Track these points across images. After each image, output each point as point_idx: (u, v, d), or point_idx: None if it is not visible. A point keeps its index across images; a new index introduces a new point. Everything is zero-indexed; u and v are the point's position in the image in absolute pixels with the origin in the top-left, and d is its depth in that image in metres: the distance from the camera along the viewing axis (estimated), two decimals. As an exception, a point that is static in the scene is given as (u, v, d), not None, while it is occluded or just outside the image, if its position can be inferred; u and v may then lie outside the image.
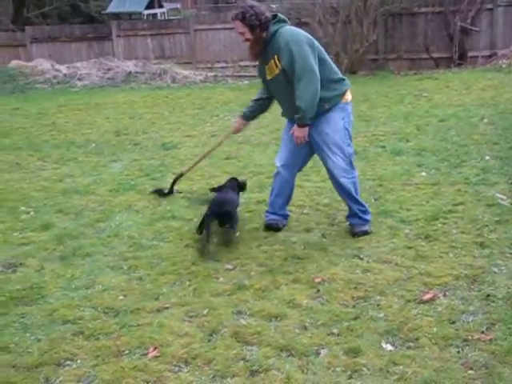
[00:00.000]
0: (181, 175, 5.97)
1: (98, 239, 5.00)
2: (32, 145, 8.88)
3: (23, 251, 4.82)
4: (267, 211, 5.09)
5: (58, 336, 3.50)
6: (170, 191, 5.99)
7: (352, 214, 4.85)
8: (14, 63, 16.76)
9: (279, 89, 4.69)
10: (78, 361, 3.25)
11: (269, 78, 4.67)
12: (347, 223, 4.92)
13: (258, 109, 5.14)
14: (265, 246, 4.69)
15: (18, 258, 4.68)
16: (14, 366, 3.23)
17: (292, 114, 4.62)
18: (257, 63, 4.87)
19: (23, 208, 5.91)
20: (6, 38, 18.12)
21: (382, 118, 9.36)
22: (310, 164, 6.90)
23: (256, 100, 5.09)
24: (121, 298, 3.97)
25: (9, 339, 3.49)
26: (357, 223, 4.82)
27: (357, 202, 4.82)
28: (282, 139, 4.99)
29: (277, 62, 4.54)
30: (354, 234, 4.76)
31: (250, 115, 5.18)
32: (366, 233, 4.75)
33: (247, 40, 4.60)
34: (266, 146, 8.01)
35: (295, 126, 4.60)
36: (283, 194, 5.00)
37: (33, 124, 10.62)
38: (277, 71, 4.57)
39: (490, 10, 14.52)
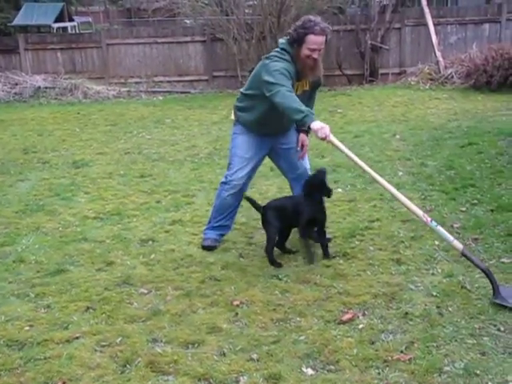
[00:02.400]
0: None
1: (2, 265, 4.70)
2: None
3: None
4: (212, 230, 4.99)
5: (-45, 374, 3.22)
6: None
7: None
8: None
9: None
10: (-22, 401, 2.99)
11: (297, 93, 4.52)
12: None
13: None
14: (181, 268, 4.54)
15: None
16: None
17: (290, 124, 4.82)
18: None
19: None
20: None
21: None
22: (226, 181, 6.85)
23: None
24: (26, 328, 3.71)
25: None
26: None
27: None
28: (244, 156, 4.79)
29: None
30: None
31: None
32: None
33: (315, 58, 4.46)
34: (182, 164, 7.84)
35: (302, 134, 4.90)
36: (236, 209, 5.02)
37: None
38: (306, 87, 4.68)
39: (399, 29, 14.98)
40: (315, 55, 4.43)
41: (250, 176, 4.91)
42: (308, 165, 5.01)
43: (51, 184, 7.09)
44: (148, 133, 10.07)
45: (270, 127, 4.75)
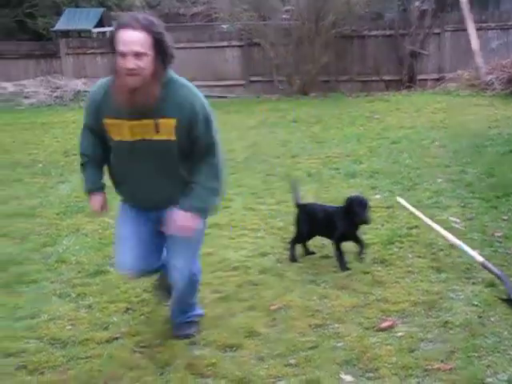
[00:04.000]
0: None
1: (45, 265, 4.79)
2: (-25, 165, 8.55)
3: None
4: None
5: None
6: None
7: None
8: (-43, 80, 16.24)
9: (152, 160, 3.19)
10: (22, 398, 3.05)
11: (131, 139, 3.14)
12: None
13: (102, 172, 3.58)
14: (218, 272, 4.56)
15: (-42, 286, 4.43)
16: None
17: (164, 198, 3.30)
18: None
19: (-35, 232, 5.64)
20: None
21: (334, 139, 9.37)
22: (263, 186, 6.90)
23: (93, 163, 3.50)
24: (68, 327, 3.77)
25: None
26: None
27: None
28: (128, 237, 3.47)
29: (173, 124, 3.10)
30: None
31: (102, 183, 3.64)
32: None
33: (135, 72, 2.93)
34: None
35: (185, 213, 3.20)
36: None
37: (-24, 143, 10.25)
38: (164, 137, 3.11)
39: (438, 34, 14.85)
40: (129, 64, 2.91)
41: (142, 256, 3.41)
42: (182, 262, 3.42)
43: (91, 186, 7.17)
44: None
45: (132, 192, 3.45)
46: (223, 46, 15.67)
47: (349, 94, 14.68)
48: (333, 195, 6.35)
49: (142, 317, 3.88)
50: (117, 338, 3.62)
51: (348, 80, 15.27)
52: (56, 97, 15.28)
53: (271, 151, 8.74)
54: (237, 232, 5.37)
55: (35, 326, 3.79)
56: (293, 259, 4.70)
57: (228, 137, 9.97)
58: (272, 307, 3.93)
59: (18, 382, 3.19)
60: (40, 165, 8.48)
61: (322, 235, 4.83)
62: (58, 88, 15.38)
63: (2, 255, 5.00)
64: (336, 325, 3.68)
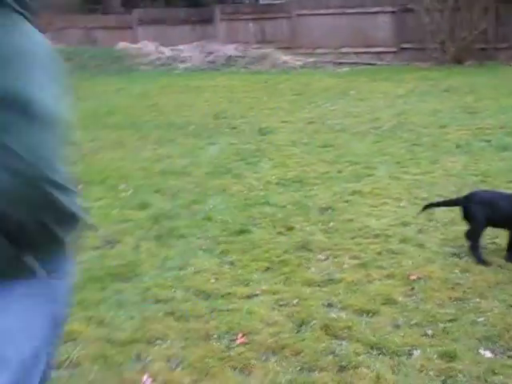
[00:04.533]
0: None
1: (193, 221, 5.06)
2: (134, 125, 9.12)
3: (121, 228, 4.94)
4: None
5: (150, 315, 3.55)
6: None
7: None
8: (120, 45, 17.30)
9: None
10: (168, 341, 3.28)
11: None
12: None
13: None
14: (359, 238, 4.58)
15: (116, 235, 4.81)
16: (108, 341, 3.30)
17: None
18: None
19: (123, 186, 6.07)
20: (114, 21, 18.72)
21: (488, 110, 8.94)
22: (408, 156, 6.77)
23: None
24: (212, 281, 3.98)
25: (105, 314, 3.58)
26: None
27: None
28: None
29: None
30: None
31: None
32: None
33: None
34: (364, 136, 7.83)
35: None
36: None
37: (135, 104, 10.91)
38: None
39: None
40: None
41: None
42: None
43: (238, 149, 7.44)
44: (332, 104, 10.14)
45: None
46: (375, 12, 15.32)
47: (508, 62, 13.81)
48: (481, 168, 6.10)
49: (282, 276, 4.00)
50: (257, 295, 3.77)
51: (508, 48, 14.36)
52: (209, 61, 15.82)
53: (419, 120, 8.51)
54: (379, 200, 5.34)
55: (182, 277, 4.05)
56: (483, 261, 4.03)
57: (374, 105, 9.86)
58: (411, 277, 3.90)
59: (166, 326, 3.43)
60: (192, 126, 8.87)
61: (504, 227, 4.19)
62: (211, 53, 15.90)
63: (156, 209, 5.35)
64: (477, 299, 3.58)
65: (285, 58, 15.28)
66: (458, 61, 14.05)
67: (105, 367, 3.07)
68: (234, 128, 8.67)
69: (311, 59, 15.22)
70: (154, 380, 2.95)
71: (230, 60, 15.53)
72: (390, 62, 14.86)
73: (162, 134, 8.47)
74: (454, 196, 5.26)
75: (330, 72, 14.07)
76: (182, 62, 15.98)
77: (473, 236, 4.15)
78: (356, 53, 15.21)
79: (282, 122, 8.96)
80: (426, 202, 5.21)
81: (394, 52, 15.12)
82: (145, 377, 2.97)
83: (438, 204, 4.69)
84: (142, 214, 5.24)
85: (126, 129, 8.83)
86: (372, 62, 14.81)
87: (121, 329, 3.42)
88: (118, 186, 6.10)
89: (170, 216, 5.18)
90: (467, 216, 4.23)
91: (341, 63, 14.93)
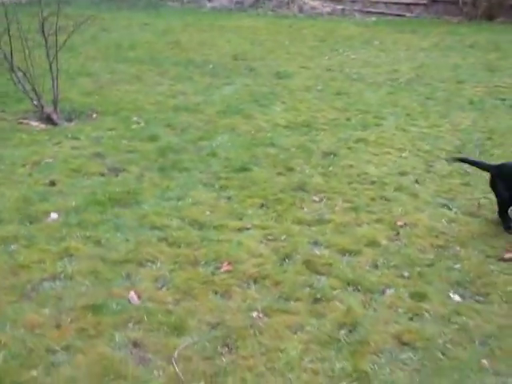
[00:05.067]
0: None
1: (197, 156, 5.20)
2: (154, 60, 9.18)
3: (128, 158, 5.11)
4: None
5: (144, 239, 3.75)
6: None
7: None
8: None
9: None
10: (158, 264, 3.48)
11: None
12: None
13: None
14: (355, 184, 4.70)
15: (122, 164, 4.98)
16: (102, 259, 3.51)
17: None
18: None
19: (135, 118, 6.21)
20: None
21: (509, 69, 8.83)
22: (419, 109, 6.80)
23: None
24: (207, 213, 4.15)
25: (102, 235, 3.78)
26: None
27: None
28: None
29: None
30: None
31: None
32: None
33: None
34: (379, 86, 7.83)
35: None
36: None
37: (158, 40, 10.94)
38: None
39: None
40: None
41: None
42: None
43: (252, 91, 7.50)
44: (353, 52, 10.08)
45: None
46: (409, -38, 14.97)
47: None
48: (490, 125, 6.14)
49: (274, 214, 4.15)
50: (247, 229, 3.94)
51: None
52: (237, 2, 15.68)
53: (437, 75, 8.46)
54: (382, 149, 5.43)
55: (180, 207, 4.22)
56: (509, 228, 3.95)
57: (395, 56, 9.80)
58: (399, 223, 4.03)
59: (158, 250, 3.62)
60: (211, 65, 8.92)
61: None
62: (238, -7, 15.75)
63: (164, 143, 5.49)
64: (458, 248, 3.72)
65: (313, 3, 15.10)
66: (489, 17, 13.76)
67: (96, 282, 3.28)
68: (252, 70, 8.70)
69: (340, 6, 15.01)
70: (139, 297, 3.15)
71: (257, 2, 15.37)
72: (419, 14, 14.60)
73: (180, 70, 8.53)
74: (457, 150, 5.36)
75: (357, 21, 13.89)
76: (210, 0, 15.86)
77: (499, 208, 4.06)
78: (385, 3, 14.94)
79: (301, 67, 8.96)
80: (428, 155, 5.33)
81: (425, 4, 14.81)
82: (132, 293, 3.17)
83: (470, 162, 4.61)
84: (149, 146, 5.40)
85: (146, 64, 8.91)
86: (401, 14, 14.57)
87: (115, 250, 3.62)
88: (130, 118, 6.24)
89: (177, 150, 5.32)
90: (492, 186, 4.14)
91: (368, 12, 14.70)
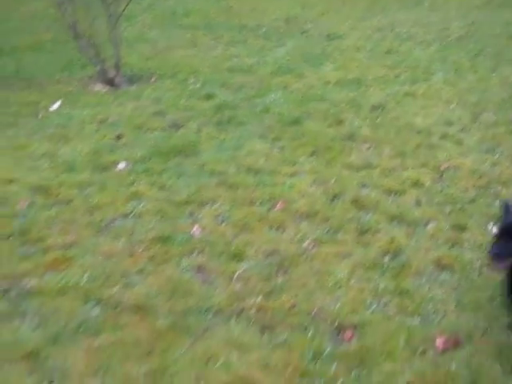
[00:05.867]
0: None
1: (251, 112, 5.49)
2: (208, 26, 9.48)
3: (186, 115, 5.45)
4: None
5: (204, 184, 4.08)
6: None
7: None
8: None
9: None
10: (217, 204, 3.81)
11: None
12: None
13: None
14: (402, 133, 4.91)
15: (182, 121, 5.32)
16: (167, 201, 3.87)
17: None
18: None
19: (192, 80, 6.55)
20: None
21: None
22: (468, 64, 6.89)
23: None
24: (262, 161, 4.45)
25: (165, 181, 4.14)
26: None
27: None
28: None
29: None
30: None
31: None
32: None
33: None
34: (429, 44, 7.94)
35: None
36: None
37: (212, 7, 11.21)
38: None
39: None
40: None
41: None
42: None
43: (304, 52, 7.73)
44: (405, 12, 10.14)
45: None
46: None
47: None
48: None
49: (324, 160, 4.43)
50: (299, 174, 4.23)
51: None
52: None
53: (489, 31, 8.49)
54: (429, 102, 5.61)
55: (236, 156, 4.53)
56: None
57: (446, 15, 9.82)
58: (443, 166, 4.25)
59: (216, 193, 3.95)
60: (263, 29, 9.15)
61: None
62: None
63: (220, 101, 5.81)
64: (499, 187, 3.93)
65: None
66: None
67: (162, 219, 3.65)
68: (304, 32, 8.91)
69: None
70: (202, 230, 3.50)
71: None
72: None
73: (233, 35, 8.81)
74: (503, 103, 5.49)
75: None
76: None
77: None
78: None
79: (351, 28, 9.11)
80: (475, 107, 5.50)
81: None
82: (195, 227, 3.52)
83: None
84: (206, 104, 5.72)
85: (200, 29, 9.22)
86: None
87: (178, 193, 3.97)
88: (187, 79, 6.58)
89: (232, 107, 5.63)
90: None
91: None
